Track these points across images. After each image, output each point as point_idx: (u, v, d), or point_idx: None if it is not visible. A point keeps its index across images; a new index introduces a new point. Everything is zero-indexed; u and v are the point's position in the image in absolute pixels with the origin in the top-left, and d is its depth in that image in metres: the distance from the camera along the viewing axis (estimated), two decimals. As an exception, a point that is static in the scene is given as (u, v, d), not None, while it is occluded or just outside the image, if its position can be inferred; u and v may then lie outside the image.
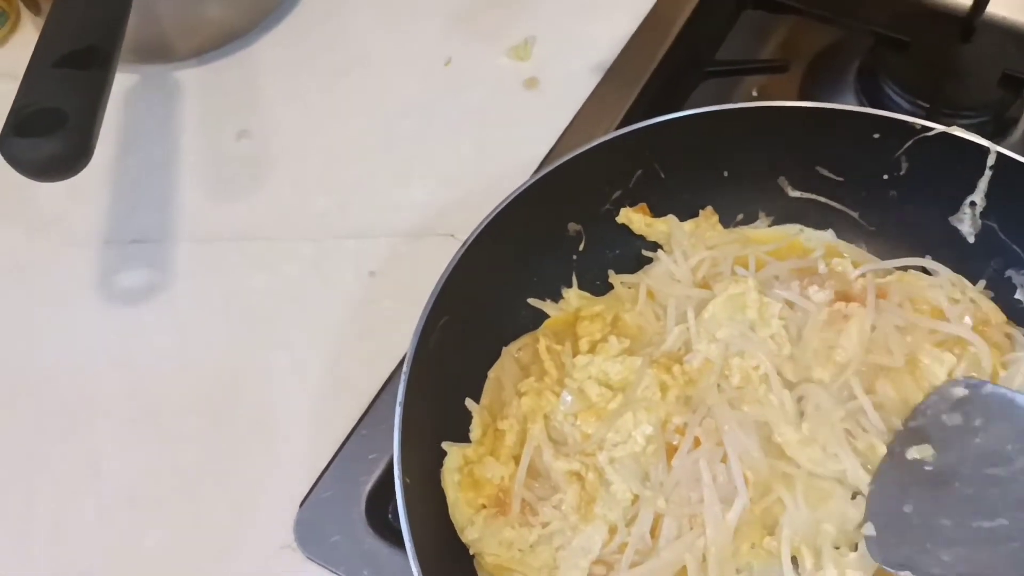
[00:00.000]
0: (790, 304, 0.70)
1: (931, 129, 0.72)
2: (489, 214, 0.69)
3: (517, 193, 0.70)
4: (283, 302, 0.81)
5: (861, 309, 0.68)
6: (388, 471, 0.69)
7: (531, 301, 0.73)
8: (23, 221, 0.86)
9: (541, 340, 0.70)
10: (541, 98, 0.92)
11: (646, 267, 0.75)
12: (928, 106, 0.89)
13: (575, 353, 0.70)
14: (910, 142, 0.73)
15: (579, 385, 0.68)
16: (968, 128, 0.88)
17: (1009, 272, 0.73)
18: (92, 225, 0.85)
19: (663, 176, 0.76)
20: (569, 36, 0.96)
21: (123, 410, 0.76)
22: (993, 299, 0.72)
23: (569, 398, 0.67)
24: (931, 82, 0.90)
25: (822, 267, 0.72)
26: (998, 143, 0.88)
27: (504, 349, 0.71)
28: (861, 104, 0.92)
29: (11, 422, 0.76)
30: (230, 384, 0.77)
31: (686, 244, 0.74)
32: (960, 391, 0.65)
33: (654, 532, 0.63)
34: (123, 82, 0.93)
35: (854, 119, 0.73)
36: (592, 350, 0.69)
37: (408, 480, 0.60)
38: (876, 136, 0.73)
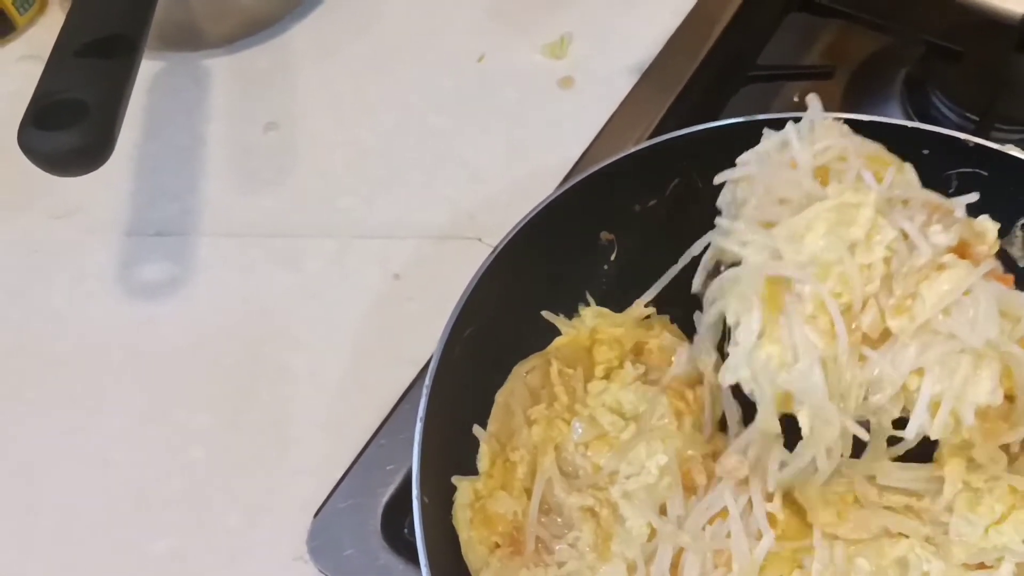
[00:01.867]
0: (905, 235, 0.57)
1: (983, 147, 0.69)
2: (520, 222, 0.67)
3: (549, 200, 0.68)
4: (304, 301, 0.79)
5: (966, 267, 0.56)
6: (406, 484, 0.67)
7: (545, 315, 0.70)
8: (44, 207, 0.84)
9: (553, 363, 0.68)
10: (576, 98, 0.89)
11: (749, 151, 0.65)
12: (979, 120, 0.85)
13: (588, 378, 0.67)
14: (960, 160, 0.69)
15: (591, 413, 0.65)
16: (1021, 143, 0.86)
17: None
18: (114, 214, 0.84)
19: (700, 186, 0.73)
20: (607, 34, 0.93)
21: (135, 405, 0.75)
22: None
23: (580, 428, 0.64)
24: (983, 95, 0.87)
25: (960, 211, 0.59)
26: (1051, 157, 0.86)
27: (514, 370, 0.68)
28: (907, 115, 0.89)
29: (20, 411, 0.75)
30: (245, 384, 0.75)
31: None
32: None
33: (675, 570, 0.60)
34: (150, 68, 0.91)
35: (903, 134, 0.70)
36: (607, 376, 0.67)
37: (427, 500, 0.58)
38: (926, 152, 0.70)
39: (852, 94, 0.94)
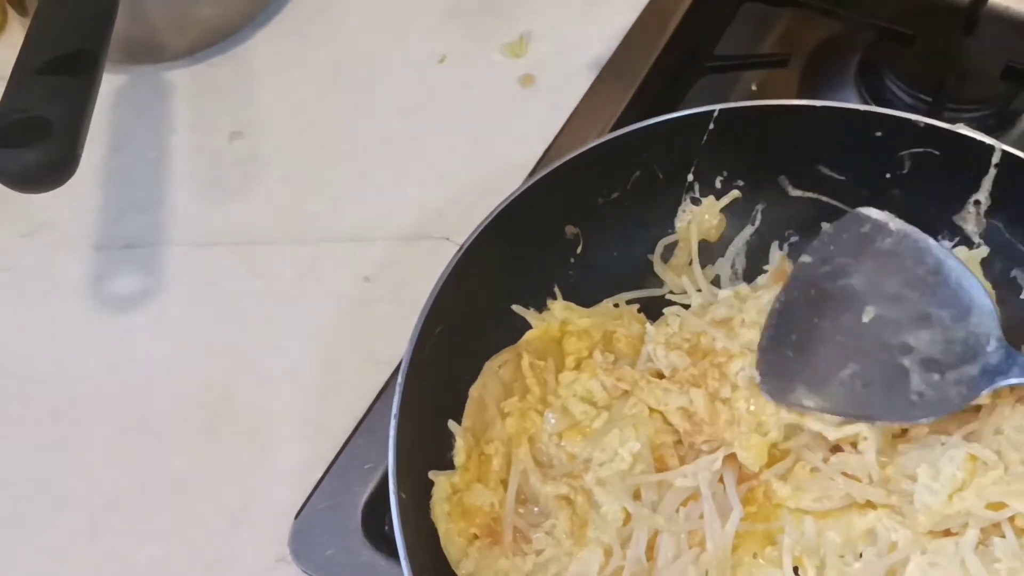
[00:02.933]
0: None
1: (934, 127, 0.70)
2: (484, 219, 0.68)
3: (512, 197, 0.69)
4: (277, 307, 0.79)
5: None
6: (384, 482, 0.67)
7: (515, 308, 0.71)
8: (11, 224, 0.85)
9: (524, 356, 0.68)
10: (537, 95, 0.91)
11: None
12: (931, 100, 0.87)
13: (559, 369, 0.68)
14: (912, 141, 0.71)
15: (563, 403, 0.66)
16: (972, 122, 0.87)
17: (1015, 272, 0.72)
18: (82, 229, 0.84)
19: (661, 177, 0.74)
20: (566, 31, 0.94)
21: (114, 418, 0.75)
22: (997, 300, 0.70)
23: (553, 419, 0.66)
24: (934, 76, 0.88)
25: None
26: (1002, 136, 0.87)
27: (486, 364, 0.69)
28: (863, 99, 0.91)
29: (0, 430, 0.75)
30: (223, 391, 0.76)
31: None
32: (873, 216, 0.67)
33: (650, 552, 0.61)
34: (112, 82, 0.92)
35: (856, 117, 0.72)
36: (578, 367, 0.68)
37: (404, 496, 0.59)
38: (879, 134, 0.72)
39: (808, 80, 0.95)
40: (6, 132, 0.63)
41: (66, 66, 0.67)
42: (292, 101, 0.92)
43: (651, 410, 0.66)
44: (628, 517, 0.63)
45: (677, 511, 0.63)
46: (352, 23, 0.97)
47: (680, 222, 0.76)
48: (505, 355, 0.69)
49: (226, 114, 0.91)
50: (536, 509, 0.64)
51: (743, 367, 0.66)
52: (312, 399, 0.75)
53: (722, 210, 0.76)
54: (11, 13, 0.96)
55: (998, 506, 0.61)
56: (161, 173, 0.87)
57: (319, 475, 0.70)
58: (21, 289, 0.82)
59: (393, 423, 0.60)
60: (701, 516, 0.61)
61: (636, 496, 0.64)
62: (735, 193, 0.76)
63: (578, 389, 0.67)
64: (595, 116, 0.87)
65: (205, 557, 0.69)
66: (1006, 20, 0.95)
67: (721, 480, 0.63)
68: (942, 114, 0.86)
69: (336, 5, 0.98)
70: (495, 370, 0.68)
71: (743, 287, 0.74)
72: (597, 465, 0.64)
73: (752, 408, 0.65)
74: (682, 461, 0.65)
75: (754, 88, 0.96)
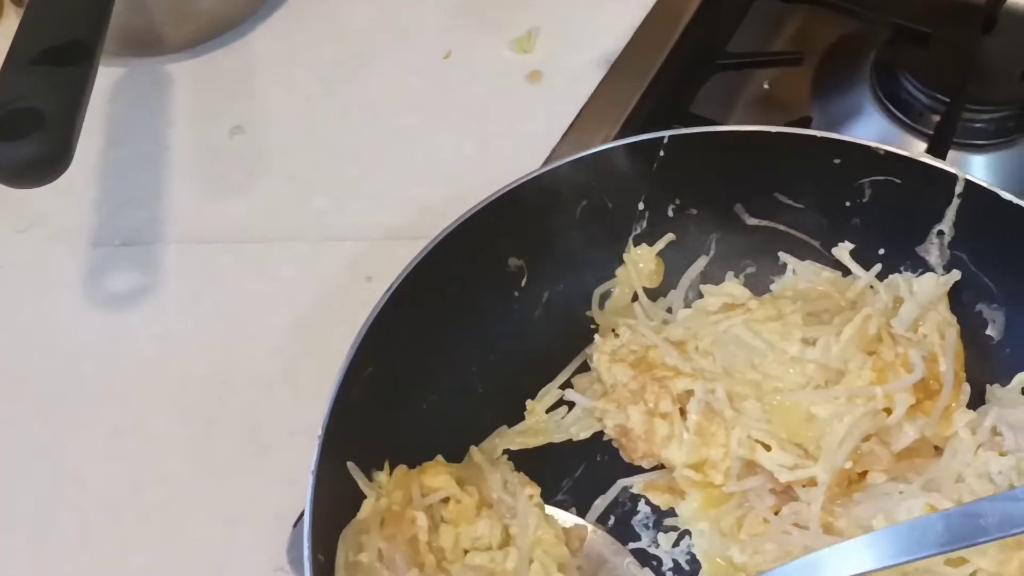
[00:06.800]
0: None
1: (895, 155, 0.68)
2: (418, 254, 0.65)
3: (449, 231, 0.66)
4: (277, 307, 0.77)
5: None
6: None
7: (350, 466, 0.62)
8: (5, 219, 0.83)
9: (374, 535, 0.60)
10: (545, 92, 0.89)
11: None
12: (949, 101, 0.85)
13: (433, 525, 0.62)
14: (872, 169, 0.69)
15: (462, 564, 0.61)
16: (990, 123, 0.86)
17: (979, 306, 0.70)
18: (79, 224, 0.82)
19: (610, 206, 0.72)
20: (574, 27, 0.92)
21: (108, 419, 0.73)
22: (962, 335, 0.69)
23: None
24: (952, 76, 0.86)
25: None
26: (1020, 138, 0.86)
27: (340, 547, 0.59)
28: (877, 99, 0.89)
29: (-9, 429, 0.73)
30: (220, 392, 0.74)
31: None
32: None
33: None
34: (110, 75, 0.90)
35: (813, 144, 0.70)
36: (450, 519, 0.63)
37: (322, 558, 0.56)
38: (837, 161, 0.69)
39: (821, 79, 0.93)
40: (-2, 124, 0.61)
41: (60, 56, 0.65)
42: (294, 96, 0.90)
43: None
44: None
45: None
46: (355, 18, 0.95)
47: (619, 269, 0.74)
48: (354, 538, 0.61)
49: (226, 108, 0.89)
50: None
51: (697, 392, 0.66)
52: (311, 402, 0.72)
53: (659, 253, 0.74)
54: (6, 2, 0.94)
55: (958, 562, 0.59)
56: (160, 168, 0.85)
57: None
58: (14, 285, 0.80)
59: (311, 481, 0.57)
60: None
61: None
62: (669, 236, 0.73)
63: (464, 543, 0.62)
64: (604, 114, 0.85)
65: (200, 565, 0.67)
66: (1025, 20, 0.93)
67: None
68: (961, 114, 0.84)
69: (339, -2, 0.96)
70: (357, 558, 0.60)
71: (700, 303, 0.73)
72: None
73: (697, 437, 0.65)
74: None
75: (766, 86, 0.95)
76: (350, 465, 0.61)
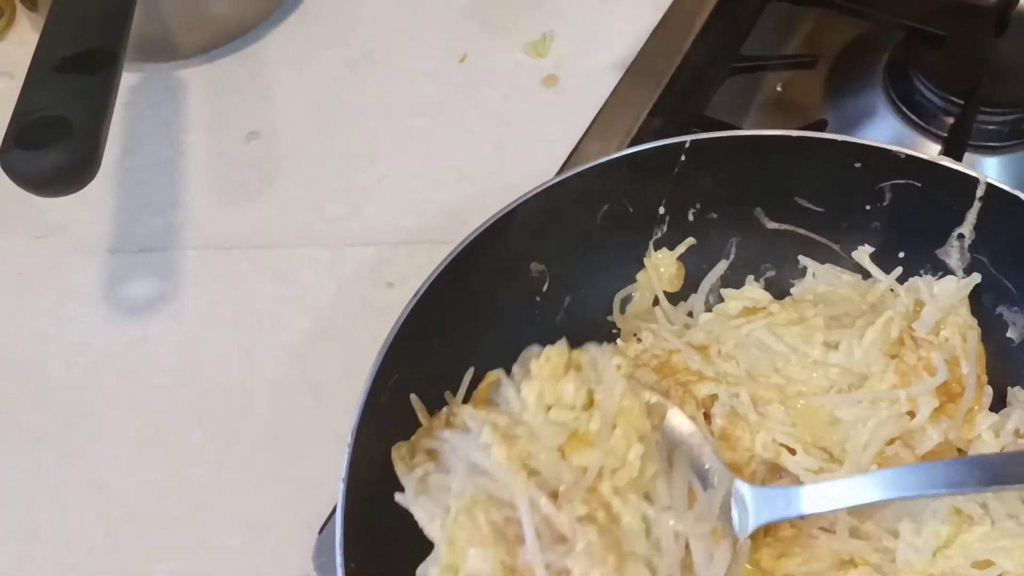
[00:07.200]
0: None
1: (916, 158, 0.68)
2: (443, 260, 0.65)
3: (472, 237, 0.66)
4: (298, 313, 0.77)
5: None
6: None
7: (413, 399, 0.64)
8: (25, 228, 0.83)
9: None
10: (561, 96, 0.89)
11: None
12: (963, 103, 0.85)
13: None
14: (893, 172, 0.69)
15: (545, 417, 0.59)
16: (1004, 125, 0.86)
17: (1000, 309, 0.70)
18: (96, 232, 0.82)
19: (631, 211, 0.72)
20: (589, 30, 0.92)
21: (129, 427, 0.73)
22: (983, 337, 0.69)
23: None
24: (965, 78, 0.86)
25: None
26: (1035, 142, 0.86)
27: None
28: (891, 101, 0.89)
29: (12, 438, 0.73)
30: (242, 400, 0.74)
31: None
32: None
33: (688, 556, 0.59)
34: (126, 80, 0.88)
35: (834, 147, 0.69)
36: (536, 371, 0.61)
37: (353, 565, 0.55)
38: (858, 165, 0.69)
39: (834, 81, 0.93)
40: (25, 133, 0.60)
41: (85, 64, 0.64)
42: (309, 101, 0.90)
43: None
44: (650, 526, 0.60)
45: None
46: (368, 21, 0.95)
47: (639, 273, 0.74)
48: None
49: (242, 114, 0.89)
50: (562, 543, 0.57)
51: (721, 396, 0.66)
52: (335, 408, 0.73)
53: (680, 258, 0.74)
54: (19, 9, 0.94)
55: (984, 564, 0.59)
56: (176, 174, 0.85)
57: (343, 487, 0.68)
58: (33, 293, 0.80)
59: (342, 488, 0.56)
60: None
61: (649, 499, 0.60)
62: (690, 241, 0.73)
63: (549, 399, 0.60)
64: (620, 117, 0.85)
65: (226, 573, 0.67)
66: (1038, 22, 0.93)
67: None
68: (975, 116, 0.84)
69: (352, 2, 0.96)
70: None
71: (721, 307, 0.73)
72: (610, 472, 0.59)
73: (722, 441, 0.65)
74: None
75: (779, 89, 0.95)
76: (413, 398, 0.63)
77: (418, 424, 0.64)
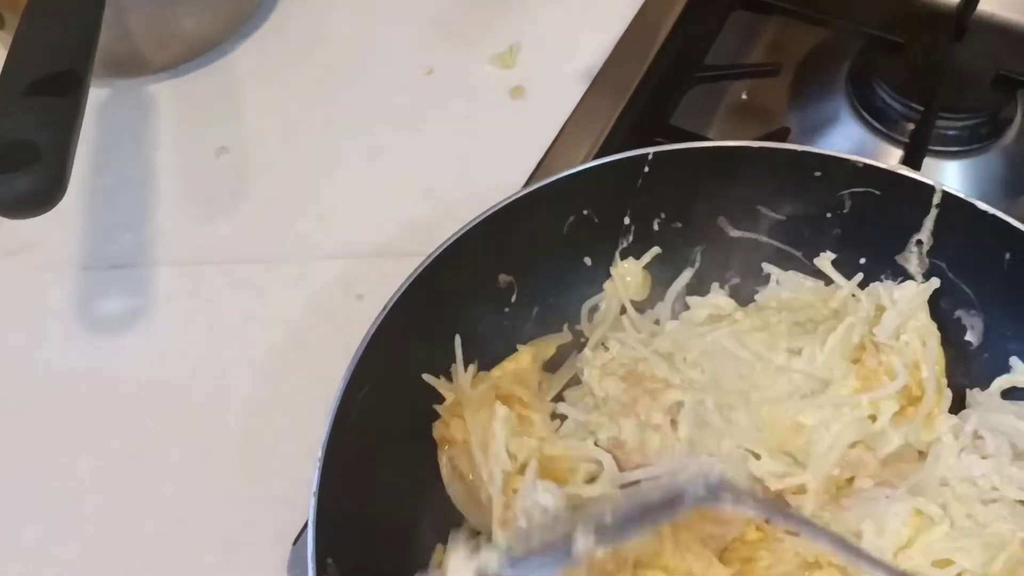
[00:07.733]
0: None
1: (873, 167, 0.70)
2: (411, 274, 0.66)
3: (439, 251, 0.67)
4: (270, 328, 0.78)
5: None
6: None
7: (426, 378, 0.68)
8: (-6, 246, 0.83)
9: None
10: (528, 107, 0.90)
11: None
12: (923, 108, 0.87)
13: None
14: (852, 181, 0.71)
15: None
16: (964, 130, 0.88)
17: (958, 312, 0.71)
18: (68, 249, 0.82)
19: (597, 221, 0.73)
20: (555, 42, 0.93)
21: (104, 444, 0.74)
22: (943, 341, 0.70)
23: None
24: (925, 84, 0.88)
25: None
26: (993, 144, 0.88)
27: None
28: (853, 108, 0.91)
29: (-13, 457, 0.74)
30: (216, 415, 0.74)
31: None
32: None
33: None
34: (95, 96, 0.88)
35: (794, 158, 0.71)
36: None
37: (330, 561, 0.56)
38: (817, 174, 0.71)
39: (798, 88, 0.95)
40: (-7, 158, 0.61)
41: (51, 87, 0.65)
42: (277, 115, 0.90)
43: None
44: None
45: None
46: (336, 36, 0.95)
47: (606, 283, 0.75)
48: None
49: (211, 129, 0.89)
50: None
51: (687, 403, 0.67)
52: (306, 421, 0.72)
53: (646, 267, 0.75)
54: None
55: (944, 563, 0.61)
56: (146, 191, 0.85)
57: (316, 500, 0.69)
58: (5, 311, 0.80)
59: (313, 501, 0.57)
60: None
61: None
62: (656, 250, 0.74)
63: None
64: (587, 128, 0.87)
65: (201, 587, 0.68)
66: (994, 27, 0.95)
67: None
68: (934, 121, 0.86)
69: (319, 16, 0.97)
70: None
71: (687, 315, 0.74)
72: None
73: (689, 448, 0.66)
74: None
75: (744, 97, 0.96)
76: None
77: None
